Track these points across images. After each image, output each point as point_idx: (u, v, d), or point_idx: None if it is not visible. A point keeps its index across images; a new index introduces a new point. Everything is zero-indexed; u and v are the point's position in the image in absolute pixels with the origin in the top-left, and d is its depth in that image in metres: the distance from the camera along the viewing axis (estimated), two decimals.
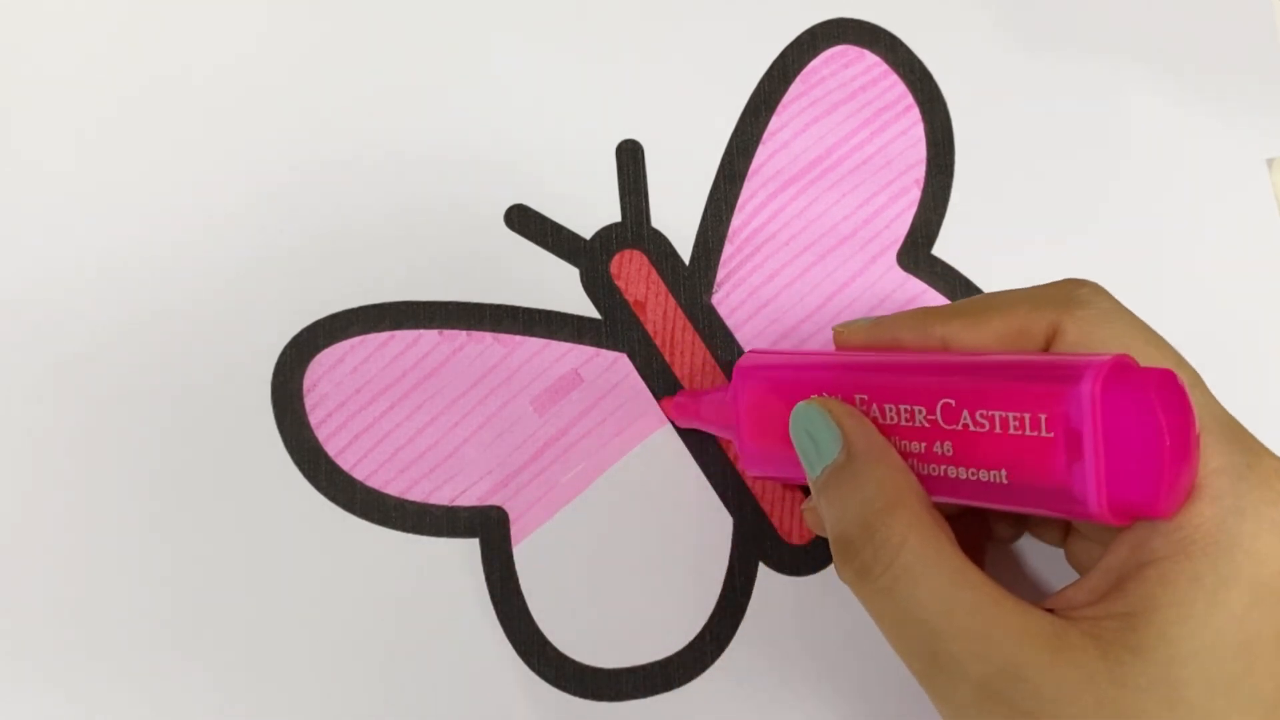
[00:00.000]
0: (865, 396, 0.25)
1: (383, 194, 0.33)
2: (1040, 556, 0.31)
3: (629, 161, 0.34)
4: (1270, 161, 0.35)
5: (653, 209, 0.34)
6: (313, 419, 0.32)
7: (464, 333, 0.33)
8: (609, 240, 0.33)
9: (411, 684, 0.31)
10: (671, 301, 0.33)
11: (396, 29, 0.34)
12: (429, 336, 0.33)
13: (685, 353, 0.33)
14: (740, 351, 0.33)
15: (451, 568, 0.32)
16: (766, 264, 0.34)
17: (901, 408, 0.24)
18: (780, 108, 0.35)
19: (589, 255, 0.33)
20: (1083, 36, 0.36)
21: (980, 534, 0.30)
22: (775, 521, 0.33)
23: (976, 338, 0.25)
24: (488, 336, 0.33)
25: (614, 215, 0.34)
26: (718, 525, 0.32)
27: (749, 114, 0.35)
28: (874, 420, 0.25)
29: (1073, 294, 0.25)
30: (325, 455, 0.32)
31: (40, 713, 0.30)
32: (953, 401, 0.23)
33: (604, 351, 0.33)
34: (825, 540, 0.32)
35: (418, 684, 0.31)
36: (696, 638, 0.32)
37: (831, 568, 0.32)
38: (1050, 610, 0.23)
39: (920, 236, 0.34)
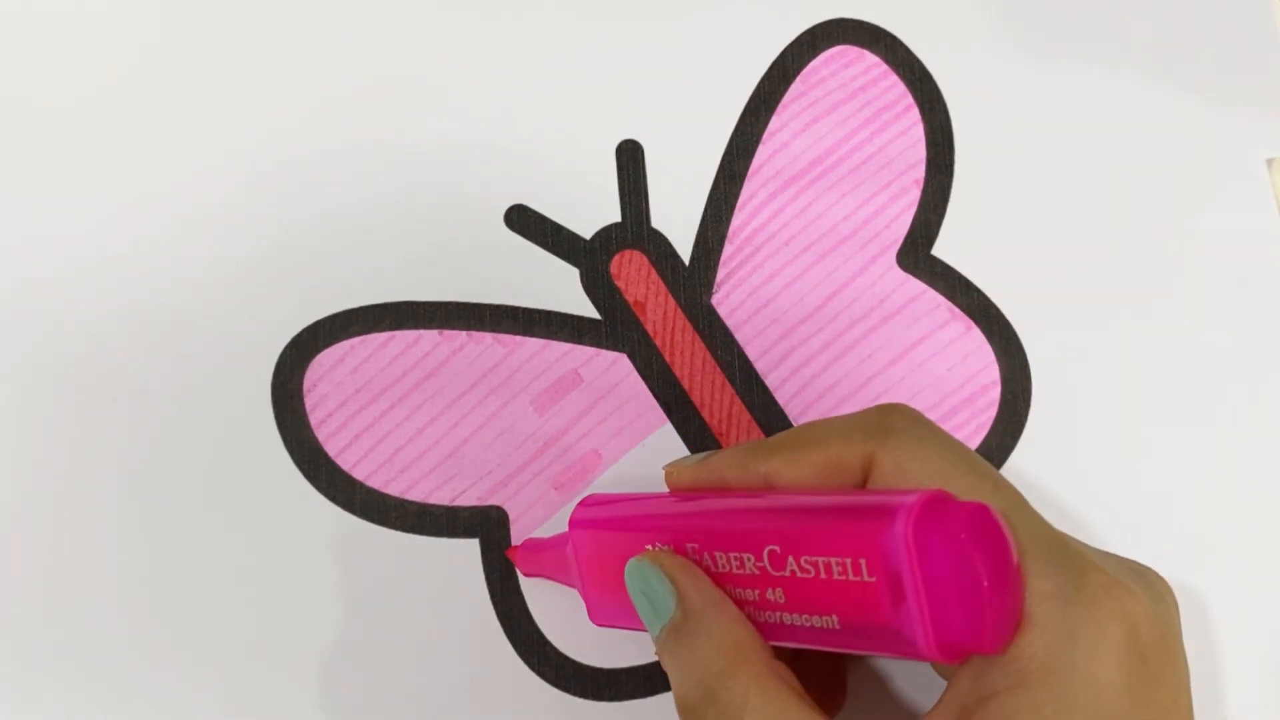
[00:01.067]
0: (695, 545, 0.25)
1: (383, 194, 0.33)
2: (903, 664, 0.31)
3: (629, 161, 0.34)
4: (1270, 161, 0.35)
5: (653, 209, 0.34)
6: (313, 419, 0.32)
7: (464, 333, 0.33)
8: (609, 240, 0.33)
9: (411, 684, 0.31)
10: (671, 302, 0.33)
11: (396, 29, 0.34)
12: (429, 336, 0.33)
13: (685, 353, 0.33)
14: (740, 352, 0.33)
15: (451, 568, 0.32)
16: (766, 264, 0.34)
17: (731, 555, 0.24)
18: (780, 108, 0.35)
19: (589, 255, 0.33)
20: (1083, 37, 0.36)
21: (838, 656, 0.30)
22: None
23: (796, 473, 0.25)
24: (488, 336, 0.33)
25: (614, 215, 0.34)
26: None
27: (749, 114, 0.35)
28: (707, 569, 0.24)
29: (884, 422, 0.25)
30: (325, 455, 0.32)
31: (40, 712, 0.30)
32: (778, 548, 0.23)
33: (604, 351, 0.33)
34: None
35: (418, 684, 0.31)
36: None
37: None
38: None
39: (920, 237, 0.34)
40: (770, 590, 0.23)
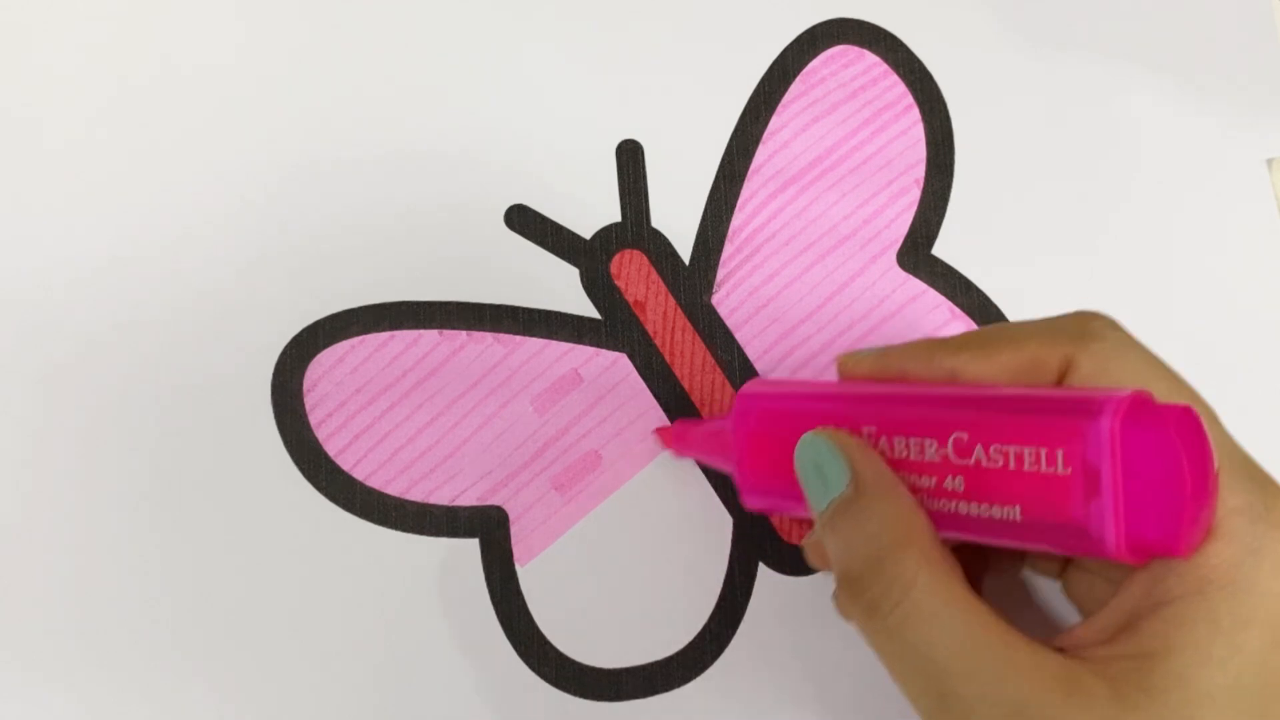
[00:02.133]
0: (873, 429, 0.25)
1: (383, 194, 0.33)
2: (1037, 589, 0.31)
3: (629, 161, 0.34)
4: (1270, 161, 0.35)
5: (653, 209, 0.34)
6: (313, 419, 0.32)
7: (464, 333, 0.33)
8: (609, 240, 0.33)
9: (411, 684, 0.31)
10: (671, 301, 0.33)
11: (396, 30, 0.34)
12: (429, 336, 0.33)
13: (685, 353, 0.33)
14: (740, 352, 0.33)
15: (451, 568, 0.32)
16: (766, 264, 0.34)
17: (911, 441, 0.24)
18: (780, 108, 0.35)
19: (589, 255, 0.33)
20: (1083, 37, 0.36)
21: (978, 566, 0.30)
22: (775, 521, 0.33)
23: (987, 370, 0.25)
24: (488, 336, 0.33)
25: (614, 215, 0.34)
26: (718, 525, 0.32)
27: (749, 114, 0.35)
28: (882, 454, 0.24)
29: (1086, 327, 0.24)
30: (325, 455, 0.32)
31: (40, 712, 0.30)
32: (965, 435, 0.23)
33: (604, 351, 0.33)
34: None
35: (417, 684, 0.31)
36: (696, 638, 0.32)
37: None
38: (1060, 650, 0.22)
39: (920, 237, 0.34)
40: (950, 478, 0.23)
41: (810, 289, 0.34)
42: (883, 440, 0.24)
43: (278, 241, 0.33)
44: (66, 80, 0.33)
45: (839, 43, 0.35)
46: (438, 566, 0.32)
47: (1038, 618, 0.31)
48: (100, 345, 0.32)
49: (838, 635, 0.32)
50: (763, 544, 0.32)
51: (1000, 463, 0.22)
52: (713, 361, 0.33)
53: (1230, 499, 0.22)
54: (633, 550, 0.32)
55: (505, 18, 0.35)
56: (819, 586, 0.32)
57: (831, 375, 0.33)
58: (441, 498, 0.32)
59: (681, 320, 0.33)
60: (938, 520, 0.24)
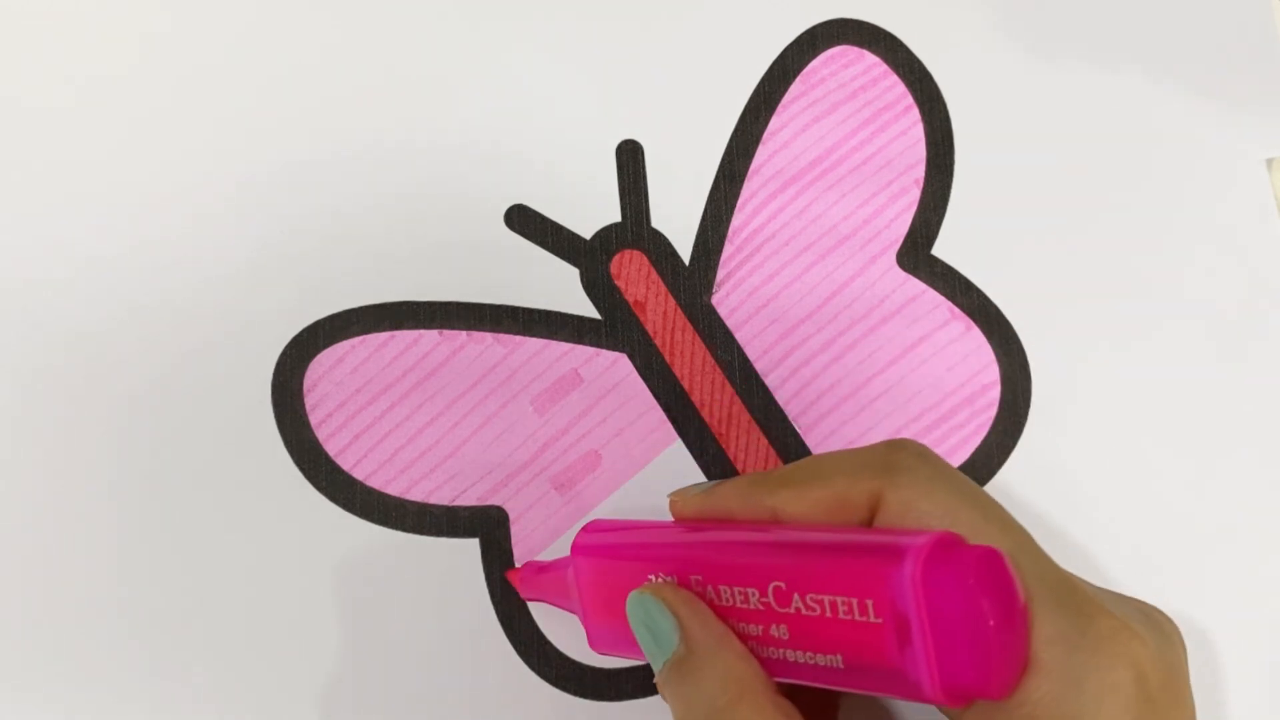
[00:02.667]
0: (700, 577, 0.25)
1: (383, 194, 0.33)
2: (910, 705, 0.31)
3: (629, 161, 0.34)
4: (1270, 161, 0.35)
5: (653, 209, 0.34)
6: (313, 419, 0.32)
7: (464, 333, 0.33)
8: (609, 240, 0.33)
9: (411, 684, 0.31)
10: (671, 301, 0.33)
11: (397, 30, 0.34)
12: (429, 336, 0.33)
13: (685, 353, 0.33)
14: (740, 352, 0.33)
15: (451, 568, 0.32)
16: (766, 264, 0.34)
17: (736, 590, 0.24)
18: (780, 108, 0.35)
19: (589, 255, 0.33)
20: (1082, 36, 0.36)
21: (839, 693, 0.30)
22: None
23: (803, 508, 0.25)
24: (488, 336, 0.33)
25: (614, 215, 0.34)
26: None
27: (749, 114, 0.35)
28: (711, 602, 0.24)
29: (891, 460, 0.24)
30: (325, 455, 0.32)
31: (40, 711, 0.30)
32: (783, 584, 0.23)
33: (604, 351, 0.33)
34: None
35: (418, 684, 0.31)
36: None
37: None
38: None
39: (920, 237, 0.34)
40: (775, 626, 0.23)
41: (810, 289, 0.34)
42: (710, 588, 0.24)
43: (278, 241, 0.33)
44: (67, 81, 0.33)
45: (839, 43, 0.35)
46: (438, 566, 0.32)
47: None
48: (100, 345, 0.32)
49: None
50: None
51: (818, 611, 0.22)
52: (713, 361, 0.33)
53: (1045, 628, 0.22)
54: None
55: (505, 18, 0.35)
56: None
57: (823, 379, 0.33)
58: (441, 498, 0.32)
59: (681, 320, 0.33)
60: (770, 667, 0.23)
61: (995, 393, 0.33)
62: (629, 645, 0.26)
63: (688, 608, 0.24)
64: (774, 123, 0.35)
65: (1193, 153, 0.35)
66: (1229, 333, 0.34)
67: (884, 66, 0.35)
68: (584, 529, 0.28)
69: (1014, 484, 0.33)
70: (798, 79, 0.35)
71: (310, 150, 0.33)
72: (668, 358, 0.33)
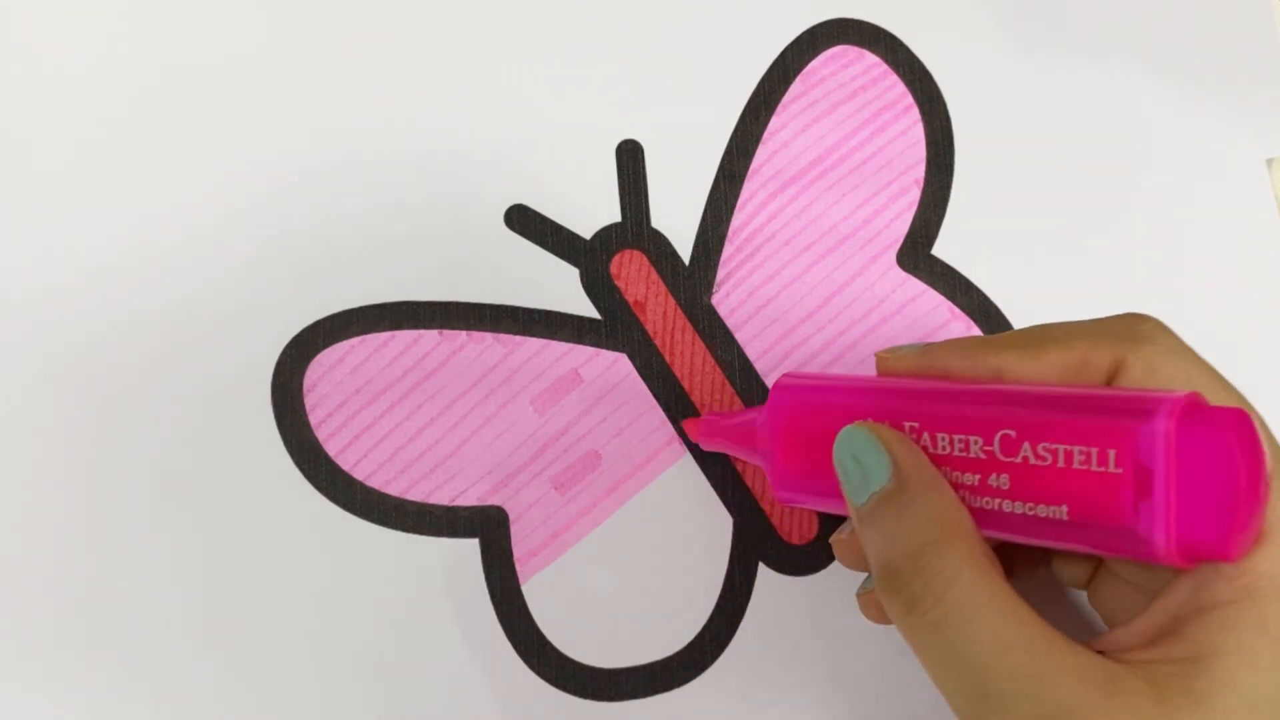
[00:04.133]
0: (916, 424, 0.24)
1: (383, 194, 0.33)
2: (1058, 598, 0.30)
3: (629, 161, 0.34)
4: (1270, 161, 0.35)
5: (653, 209, 0.34)
6: (313, 419, 0.32)
7: (464, 333, 0.33)
8: (609, 240, 0.33)
9: (411, 684, 0.31)
10: (671, 302, 0.33)
11: (397, 30, 0.34)
12: (429, 336, 0.33)
13: (685, 353, 0.33)
14: (740, 352, 0.33)
15: (451, 568, 0.32)
16: (766, 264, 0.34)
17: (955, 438, 0.23)
18: (780, 108, 0.35)
19: (589, 255, 0.33)
20: (1083, 37, 0.36)
21: (1003, 570, 0.30)
22: (775, 521, 0.33)
23: (1034, 369, 0.24)
24: (488, 336, 0.33)
25: (614, 215, 0.34)
26: (718, 525, 0.32)
27: (749, 114, 0.35)
28: (924, 450, 0.24)
29: (1136, 329, 0.24)
30: (325, 455, 0.32)
31: (41, 711, 0.30)
32: (1013, 433, 0.22)
33: (604, 351, 0.33)
34: (825, 541, 0.32)
35: (418, 684, 0.31)
36: (696, 638, 0.32)
37: (831, 567, 0.32)
38: (1100, 653, 0.22)
39: (920, 237, 0.34)
40: (994, 476, 0.23)
41: (810, 289, 0.34)
42: (925, 436, 0.24)
43: (278, 242, 0.33)
44: (68, 82, 0.33)
45: (839, 43, 0.35)
46: (438, 566, 0.32)
47: (1062, 627, 0.30)
48: (100, 346, 0.32)
49: (837, 635, 0.32)
50: (763, 544, 0.32)
51: (1049, 461, 0.22)
52: (713, 361, 0.33)
53: (1279, 506, 0.21)
54: (633, 550, 0.32)
55: (506, 18, 0.35)
56: (819, 586, 0.32)
57: (840, 370, 0.33)
58: (441, 498, 0.32)
59: (681, 320, 0.33)
60: (980, 518, 0.23)
61: None
62: (822, 490, 0.26)
63: (902, 446, 0.24)
64: (774, 123, 0.35)
65: (1193, 153, 0.35)
66: (1229, 333, 0.34)
67: (884, 66, 0.35)
68: (785, 375, 0.28)
69: None
70: (798, 79, 0.35)
71: (310, 150, 0.33)
72: (668, 358, 0.33)
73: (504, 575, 0.32)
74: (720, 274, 0.34)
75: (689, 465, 0.33)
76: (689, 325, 0.33)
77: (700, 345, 0.33)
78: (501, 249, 0.33)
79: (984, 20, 0.36)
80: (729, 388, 0.33)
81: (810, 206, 0.34)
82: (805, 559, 0.32)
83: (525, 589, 0.32)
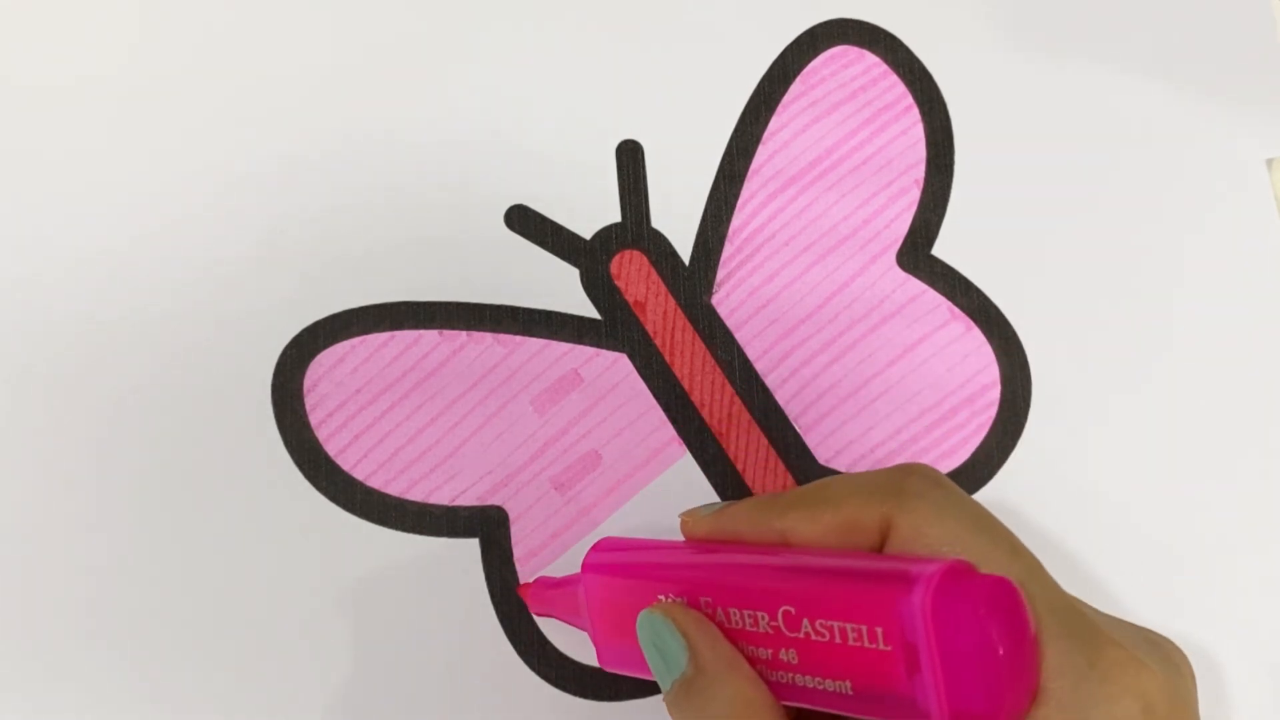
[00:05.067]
0: (709, 599, 0.24)
1: (383, 194, 0.33)
2: None
3: (629, 161, 0.34)
4: (1270, 161, 0.35)
5: (653, 209, 0.34)
6: (313, 419, 0.32)
7: (464, 333, 0.33)
8: (609, 240, 0.34)
9: (411, 684, 0.31)
10: (671, 302, 0.33)
11: (396, 30, 0.34)
12: (429, 336, 0.33)
13: (685, 353, 0.33)
14: (740, 352, 0.33)
15: (451, 568, 0.32)
16: (766, 264, 0.34)
17: (746, 613, 0.24)
18: (780, 108, 0.35)
19: (589, 255, 0.33)
20: (1083, 37, 0.36)
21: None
22: None
23: (813, 532, 0.25)
24: (488, 336, 0.33)
25: (614, 215, 0.34)
26: None
27: (749, 114, 0.35)
28: (720, 624, 0.24)
29: (902, 485, 0.24)
30: (325, 455, 0.32)
31: (41, 711, 0.30)
32: (793, 609, 0.23)
33: (604, 351, 0.33)
34: None
35: (418, 684, 0.31)
36: None
37: None
38: None
39: (920, 237, 0.34)
40: (784, 650, 0.23)
41: (810, 289, 0.34)
42: (719, 610, 0.24)
43: (278, 241, 0.33)
44: (65, 80, 0.33)
45: (839, 43, 0.35)
46: (438, 566, 0.32)
47: None
48: (100, 346, 0.32)
49: None
50: None
51: (827, 637, 0.22)
52: (713, 361, 0.33)
53: (1054, 658, 0.22)
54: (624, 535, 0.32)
55: (506, 17, 0.35)
56: None
57: (823, 379, 0.33)
58: (441, 498, 0.32)
59: (681, 320, 0.33)
60: (779, 691, 0.23)
61: (995, 393, 0.33)
62: (639, 664, 0.26)
63: (697, 628, 0.24)
64: (774, 123, 0.35)
65: (1193, 153, 0.35)
66: (1229, 333, 0.34)
67: (884, 66, 0.35)
68: (594, 547, 0.28)
69: (1014, 484, 0.33)
70: (798, 79, 0.35)
71: (311, 151, 0.33)
72: (668, 358, 0.33)
73: (504, 575, 0.32)
74: (720, 274, 0.34)
75: (689, 465, 0.33)
76: (689, 325, 0.33)
77: (700, 345, 0.33)
78: (501, 249, 0.33)
79: (984, 20, 0.36)
80: (729, 388, 0.33)
81: (810, 206, 0.34)
82: None
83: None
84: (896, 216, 0.34)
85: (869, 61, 0.35)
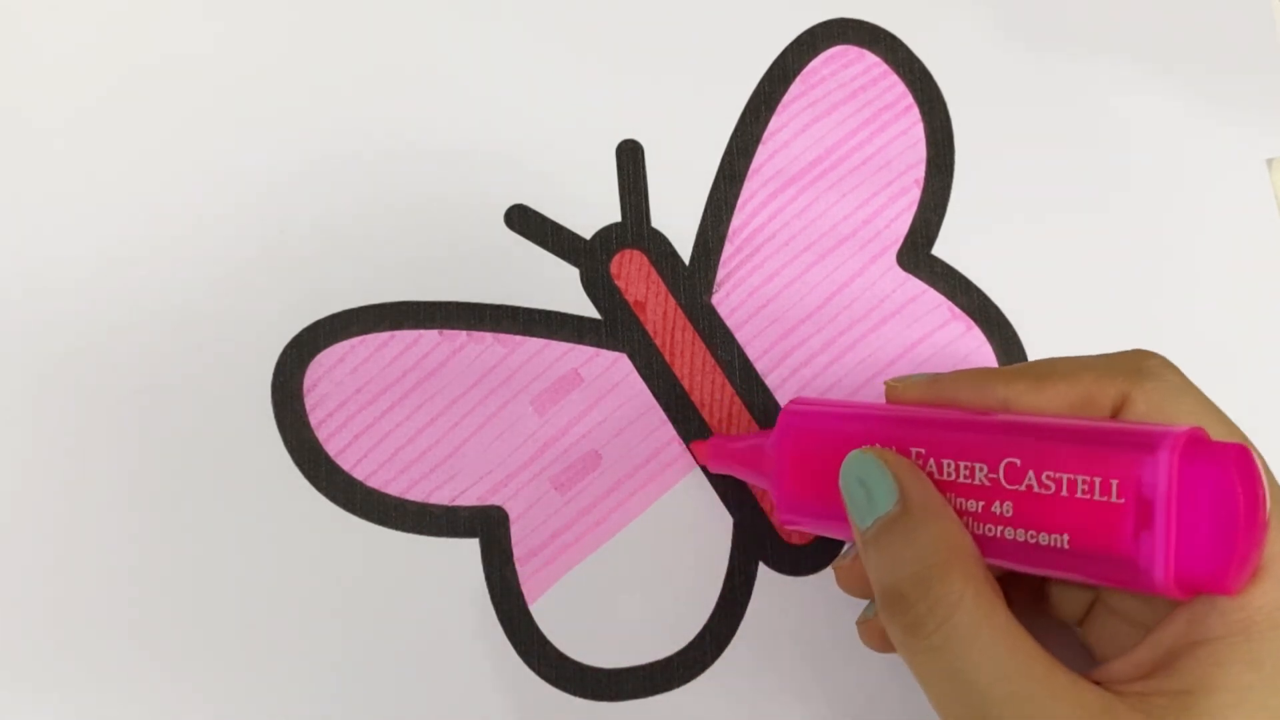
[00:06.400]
0: (922, 451, 0.25)
1: (383, 194, 0.33)
2: (1050, 634, 0.30)
3: (629, 161, 0.34)
4: (1270, 161, 0.35)
5: (653, 209, 0.34)
6: (313, 419, 0.32)
7: (464, 333, 0.33)
8: (609, 240, 0.33)
9: (412, 684, 0.31)
10: (671, 301, 0.33)
11: (396, 30, 0.34)
12: (429, 336, 0.33)
13: (685, 353, 0.33)
14: (740, 352, 0.33)
15: (451, 568, 0.32)
16: (766, 264, 0.34)
17: (961, 464, 0.24)
18: (780, 108, 0.35)
19: (589, 255, 0.33)
20: (1083, 36, 0.36)
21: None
22: (775, 522, 0.33)
23: (1040, 402, 0.25)
24: (488, 336, 0.33)
25: (614, 215, 0.34)
26: (718, 525, 0.32)
27: (749, 114, 0.35)
28: (930, 476, 0.24)
29: (1142, 365, 0.24)
30: (325, 455, 0.32)
31: (41, 711, 0.30)
32: (1018, 461, 0.23)
33: (604, 351, 0.33)
34: (825, 541, 0.32)
35: (418, 684, 0.31)
36: (696, 638, 0.32)
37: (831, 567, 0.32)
38: (1096, 684, 0.22)
39: (920, 237, 0.34)
40: (998, 504, 0.23)
41: (810, 289, 0.34)
42: (931, 462, 0.24)
43: (278, 241, 0.33)
44: (64, 79, 0.33)
45: (839, 43, 0.35)
46: (438, 566, 0.32)
47: (1058, 659, 0.30)
48: (100, 346, 0.32)
49: (837, 636, 0.32)
50: (763, 544, 0.32)
51: (1052, 489, 0.22)
52: (713, 361, 0.33)
53: (1277, 541, 0.22)
54: (633, 550, 0.32)
55: (506, 18, 0.35)
56: (819, 586, 0.32)
57: (823, 379, 0.33)
58: (441, 498, 0.32)
59: (681, 320, 0.33)
60: (983, 546, 0.23)
61: None
62: (827, 515, 0.26)
63: (908, 471, 0.24)
64: (774, 123, 0.35)
65: (1193, 153, 0.35)
66: (1230, 333, 0.34)
67: (884, 66, 0.35)
68: (792, 400, 0.29)
69: None
70: (798, 79, 0.35)
71: (311, 151, 0.33)
72: (668, 358, 0.33)
73: (504, 575, 0.32)
74: (720, 274, 0.34)
75: (689, 465, 0.33)
76: (689, 325, 0.33)
77: (700, 345, 0.33)
78: (501, 249, 0.33)
79: (984, 20, 0.36)
80: (729, 387, 0.33)
81: (810, 206, 0.34)
82: (805, 559, 0.33)
83: (525, 589, 0.32)
84: (896, 216, 0.34)
85: (869, 61, 0.35)
